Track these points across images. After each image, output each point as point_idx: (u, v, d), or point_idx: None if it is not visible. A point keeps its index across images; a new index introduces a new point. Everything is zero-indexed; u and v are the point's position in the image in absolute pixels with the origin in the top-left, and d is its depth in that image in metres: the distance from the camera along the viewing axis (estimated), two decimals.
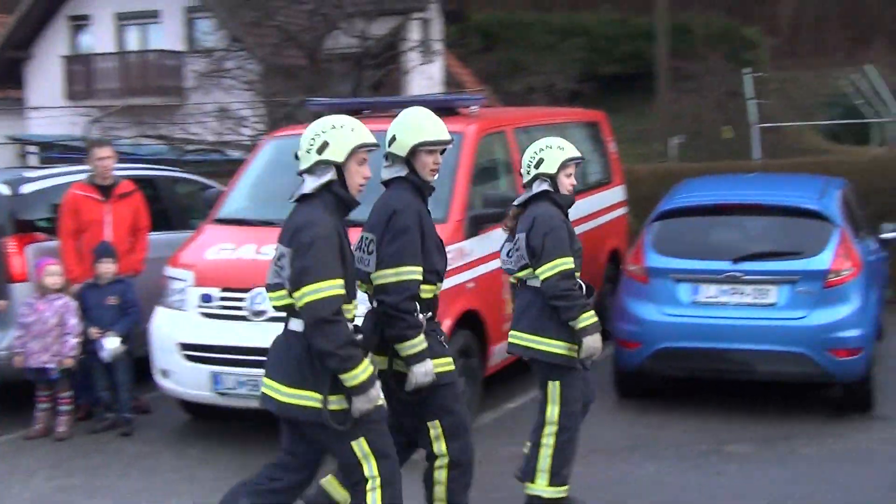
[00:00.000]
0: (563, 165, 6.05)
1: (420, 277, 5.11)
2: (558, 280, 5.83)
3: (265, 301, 7.39)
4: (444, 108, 9.14)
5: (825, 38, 39.41)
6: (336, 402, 4.59)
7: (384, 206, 5.21)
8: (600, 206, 10.59)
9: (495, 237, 8.35)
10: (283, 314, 4.79)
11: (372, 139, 4.78)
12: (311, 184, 4.74)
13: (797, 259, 7.96)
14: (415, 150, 5.23)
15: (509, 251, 6.21)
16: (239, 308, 7.60)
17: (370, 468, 4.70)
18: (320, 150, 4.71)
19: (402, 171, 5.27)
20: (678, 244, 8.34)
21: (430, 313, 5.25)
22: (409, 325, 5.04)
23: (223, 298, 7.72)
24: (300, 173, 4.80)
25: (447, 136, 5.29)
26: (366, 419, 4.62)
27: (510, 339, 6.16)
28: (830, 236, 8.05)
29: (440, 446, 5.33)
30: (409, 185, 5.23)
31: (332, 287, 4.51)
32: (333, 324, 4.48)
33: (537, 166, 6.06)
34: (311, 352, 4.59)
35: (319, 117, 4.94)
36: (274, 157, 8.94)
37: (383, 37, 18.67)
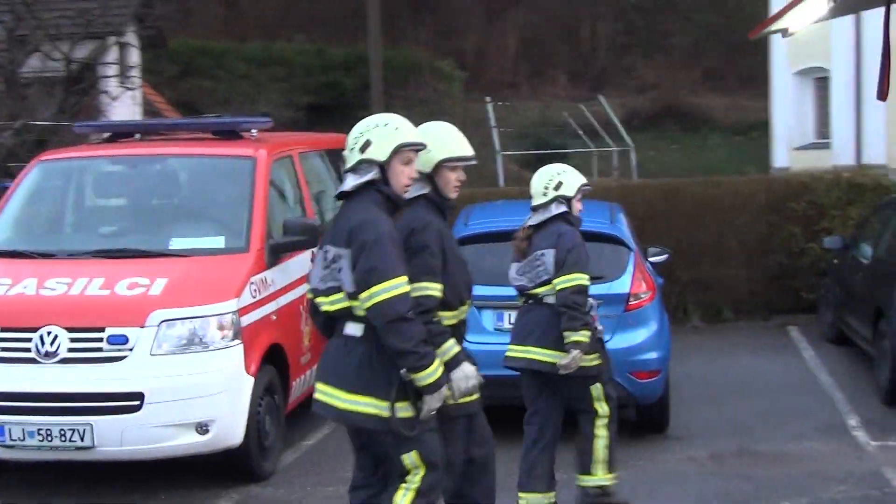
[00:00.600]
0: (579, 190, 6.42)
1: (439, 294, 4.79)
2: (572, 293, 6.16)
3: (57, 342, 6.76)
4: (223, 132, 8.73)
5: (509, 69, 41.12)
6: (403, 409, 4.50)
7: (405, 221, 4.87)
8: None
9: (293, 266, 8.02)
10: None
11: (418, 138, 4.72)
12: (350, 182, 4.66)
13: (600, 283, 8.04)
14: (439, 166, 4.97)
15: (520, 269, 6.46)
16: (24, 350, 6.85)
17: (416, 477, 4.61)
18: (363, 149, 4.64)
19: (424, 189, 4.97)
20: (479, 271, 8.22)
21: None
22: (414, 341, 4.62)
23: (2, 339, 6.94)
24: (345, 172, 4.73)
25: (471, 152, 5.10)
26: (423, 427, 4.54)
27: (527, 355, 6.36)
28: (628, 260, 8.19)
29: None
30: (429, 203, 4.95)
31: (402, 284, 4.46)
32: (409, 321, 4.43)
33: (557, 188, 6.35)
34: (372, 357, 4.53)
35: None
36: (43, 182, 8.14)
37: (82, 60, 17.77)
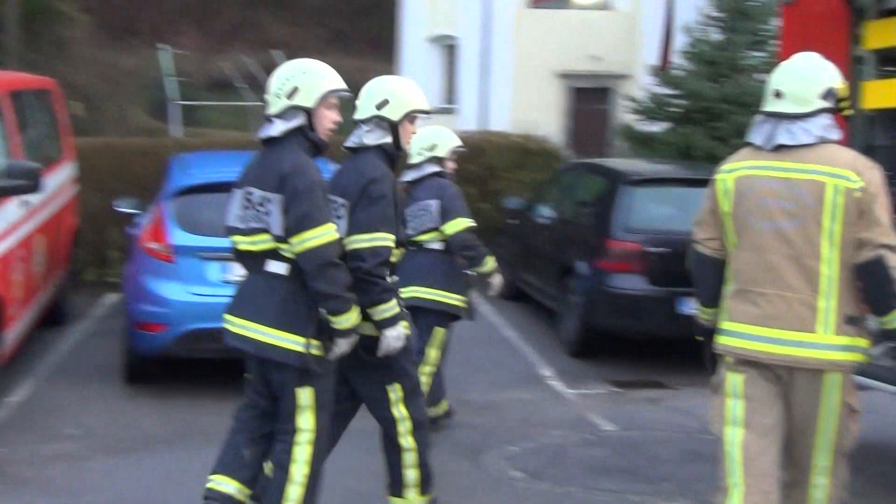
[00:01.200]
0: (452, 151, 7.10)
1: (393, 245, 5.01)
2: (466, 232, 6.91)
3: None
4: None
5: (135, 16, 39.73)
6: (315, 347, 4.68)
7: (357, 172, 5.06)
8: (59, 184, 9.80)
9: (10, 212, 7.48)
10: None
11: (343, 84, 4.81)
12: (280, 127, 4.74)
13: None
14: (404, 119, 5.11)
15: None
16: None
17: (306, 420, 4.76)
18: (290, 95, 4.73)
19: (386, 138, 5.13)
20: (204, 221, 8.02)
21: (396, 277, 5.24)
22: (383, 289, 4.96)
23: None
24: (268, 117, 4.77)
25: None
26: (323, 369, 4.73)
27: (414, 294, 6.73)
28: None
29: (400, 410, 5.24)
30: (383, 154, 5.10)
31: (333, 231, 4.65)
32: (338, 267, 4.63)
33: (431, 149, 6.98)
34: (296, 295, 4.68)
35: None
36: None
37: None
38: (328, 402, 4.85)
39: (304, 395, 4.75)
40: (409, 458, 5.33)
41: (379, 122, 5.07)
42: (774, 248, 4.30)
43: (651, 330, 9.54)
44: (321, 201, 4.67)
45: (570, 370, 9.40)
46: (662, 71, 17.58)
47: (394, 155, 5.12)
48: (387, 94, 5.09)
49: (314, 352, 4.69)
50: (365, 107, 5.15)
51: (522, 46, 28.98)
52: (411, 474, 5.36)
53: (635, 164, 11.71)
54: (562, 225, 10.65)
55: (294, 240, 4.63)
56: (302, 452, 4.77)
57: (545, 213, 11.09)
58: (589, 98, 28.58)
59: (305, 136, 4.76)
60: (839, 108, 4.40)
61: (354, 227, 4.97)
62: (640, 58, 26.30)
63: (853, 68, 6.49)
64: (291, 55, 32.40)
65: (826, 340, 4.25)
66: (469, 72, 29.83)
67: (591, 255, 9.68)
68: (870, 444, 5.22)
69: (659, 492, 6.44)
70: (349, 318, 4.72)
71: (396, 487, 5.39)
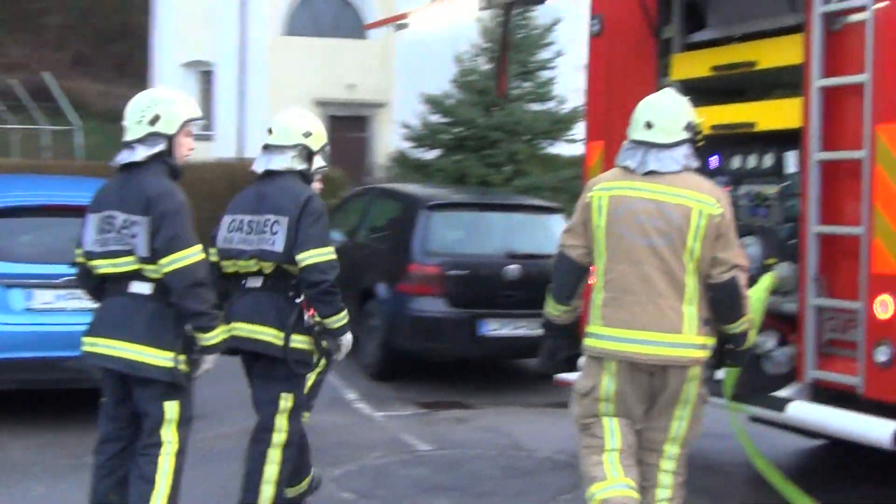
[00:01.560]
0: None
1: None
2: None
3: None
4: None
5: None
6: (182, 363, 4.82)
7: (286, 190, 5.44)
8: None
9: None
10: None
11: (199, 113, 5.06)
12: (143, 152, 4.86)
13: None
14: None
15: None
16: None
17: (169, 433, 4.87)
18: (152, 122, 4.87)
19: (299, 165, 5.59)
20: (7, 247, 7.67)
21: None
22: (340, 297, 5.38)
23: None
24: (128, 143, 4.88)
25: None
26: (188, 383, 4.91)
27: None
28: None
29: (282, 421, 5.46)
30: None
31: (199, 252, 4.81)
32: (205, 286, 4.80)
33: None
34: (162, 313, 4.81)
35: None
36: None
37: None
38: (190, 417, 4.98)
39: (171, 409, 4.87)
40: (271, 471, 5.43)
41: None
42: (650, 261, 4.75)
43: (452, 352, 9.75)
44: (188, 223, 4.82)
45: (374, 393, 9.48)
46: (500, 97, 17.95)
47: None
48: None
49: (182, 367, 4.83)
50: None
51: (278, 74, 29.00)
52: (268, 490, 5.43)
53: (430, 190, 11.93)
54: (357, 250, 10.72)
55: (163, 261, 4.76)
56: (166, 464, 4.87)
57: (336, 238, 11.13)
58: (346, 126, 28.83)
59: (165, 162, 4.90)
60: (696, 139, 4.97)
61: (309, 243, 5.27)
62: (395, 86, 26.78)
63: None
64: (31, 79, 31.27)
65: (691, 340, 4.76)
66: (225, 98, 29.56)
67: (391, 279, 9.82)
68: (696, 456, 5.54)
69: None
70: (216, 335, 4.90)
71: (252, 498, 5.43)
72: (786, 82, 6.30)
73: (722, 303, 4.83)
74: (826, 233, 5.82)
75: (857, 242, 5.60)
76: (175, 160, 4.94)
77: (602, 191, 4.90)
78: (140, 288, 4.84)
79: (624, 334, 4.78)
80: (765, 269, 6.22)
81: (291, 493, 5.82)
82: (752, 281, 5.98)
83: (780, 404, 5.93)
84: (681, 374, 4.82)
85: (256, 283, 5.50)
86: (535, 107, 18.54)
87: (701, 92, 6.68)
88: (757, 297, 5.89)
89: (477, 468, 7.39)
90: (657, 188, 4.79)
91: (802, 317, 5.90)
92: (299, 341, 5.41)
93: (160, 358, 4.80)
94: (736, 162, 6.59)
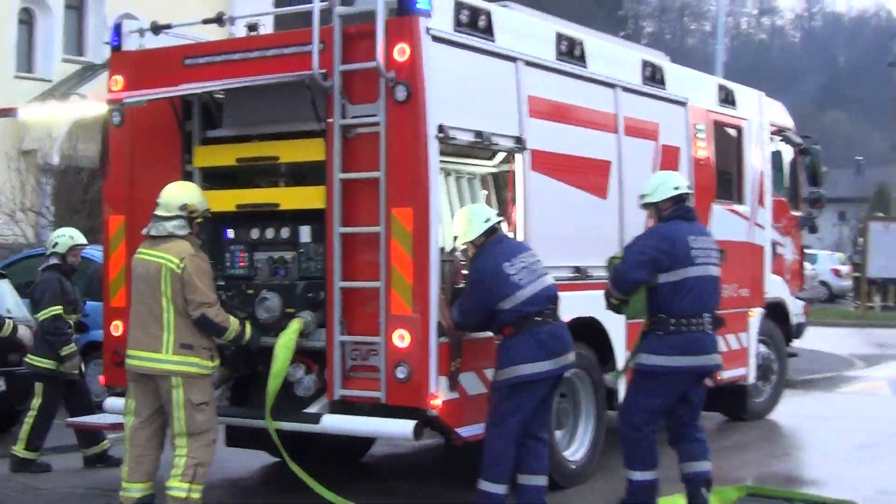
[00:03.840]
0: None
1: None
2: None
3: None
4: None
5: None
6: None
7: None
8: None
9: None
10: None
11: None
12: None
13: None
14: None
15: None
16: None
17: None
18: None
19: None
20: None
21: None
22: None
23: None
24: None
25: None
26: None
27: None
28: None
29: None
30: None
31: None
32: None
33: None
34: None
35: None
36: None
37: None
38: None
39: None
40: None
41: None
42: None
43: None
44: None
45: None
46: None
47: None
48: None
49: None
50: None
51: None
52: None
53: None
54: None
55: None
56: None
57: None
58: None
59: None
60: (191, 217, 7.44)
61: None
62: None
63: (185, 180, 8.37)
64: None
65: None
66: None
67: None
68: None
69: None
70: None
71: None
72: (307, 172, 8.16)
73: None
74: (348, 287, 7.78)
75: (377, 293, 7.63)
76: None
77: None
78: None
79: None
80: (287, 316, 7.98)
81: None
82: (280, 327, 7.82)
83: (315, 418, 7.73)
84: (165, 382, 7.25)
85: None
86: None
87: (225, 178, 8.35)
88: (288, 338, 7.73)
89: None
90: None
91: (331, 350, 7.76)
92: None
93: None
94: (255, 233, 8.27)
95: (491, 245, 7.58)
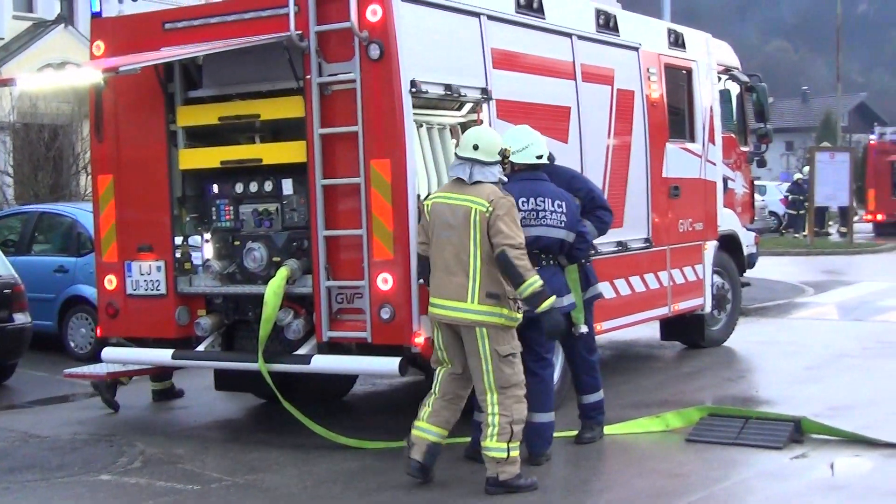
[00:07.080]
0: None
1: None
2: None
3: None
4: None
5: None
6: None
7: None
8: None
9: None
10: None
11: None
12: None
13: None
14: None
15: None
16: None
17: None
18: None
19: None
20: None
21: None
22: None
23: None
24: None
25: None
26: None
27: None
28: None
29: None
30: None
31: None
32: None
33: None
34: None
35: None
36: None
37: None
38: None
39: None
40: None
41: None
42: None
43: None
44: None
45: None
46: None
47: None
48: None
49: None
50: None
51: None
52: None
53: None
54: None
55: None
56: None
57: None
58: None
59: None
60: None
61: None
62: None
63: (170, 139, 8.81)
64: None
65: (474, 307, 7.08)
66: None
67: None
68: None
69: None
70: None
71: None
72: (286, 128, 8.61)
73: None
74: (332, 235, 8.27)
75: (359, 240, 8.13)
76: None
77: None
78: None
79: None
80: (273, 265, 8.48)
81: None
82: (268, 276, 8.32)
83: (306, 359, 8.26)
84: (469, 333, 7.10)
85: None
86: None
87: (208, 136, 8.79)
88: (276, 285, 8.24)
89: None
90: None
91: (318, 295, 8.28)
92: None
93: None
94: (240, 188, 8.73)
95: (521, 177, 7.92)
